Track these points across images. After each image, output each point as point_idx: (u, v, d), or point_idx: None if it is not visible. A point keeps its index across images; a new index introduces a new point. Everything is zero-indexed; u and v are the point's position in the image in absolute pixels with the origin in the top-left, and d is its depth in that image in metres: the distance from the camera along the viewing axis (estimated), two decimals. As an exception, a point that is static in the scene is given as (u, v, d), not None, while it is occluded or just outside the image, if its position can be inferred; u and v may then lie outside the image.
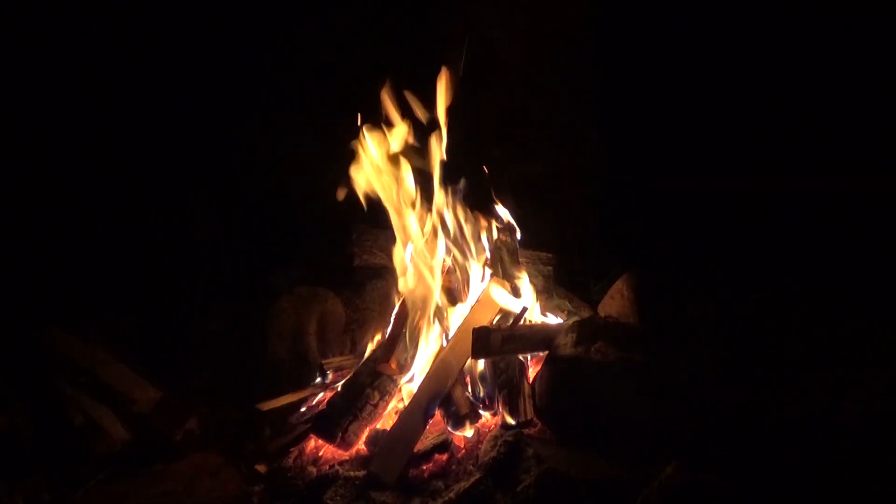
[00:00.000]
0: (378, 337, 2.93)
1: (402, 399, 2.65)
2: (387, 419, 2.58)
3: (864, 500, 1.88)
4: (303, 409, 2.75)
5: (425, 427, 2.38)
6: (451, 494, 2.03)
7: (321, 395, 2.82)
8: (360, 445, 2.45)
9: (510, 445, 2.16)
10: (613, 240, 3.80)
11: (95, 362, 2.65)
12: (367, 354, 2.81)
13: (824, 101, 3.96)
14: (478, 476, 2.07)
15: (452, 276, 2.92)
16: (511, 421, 2.35)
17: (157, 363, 2.93)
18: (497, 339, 2.42)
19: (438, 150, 2.86)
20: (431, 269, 2.79)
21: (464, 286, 2.90)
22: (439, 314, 2.77)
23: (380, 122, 2.82)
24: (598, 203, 4.14)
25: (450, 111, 2.84)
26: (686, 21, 4.17)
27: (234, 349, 3.17)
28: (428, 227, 2.87)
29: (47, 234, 3.62)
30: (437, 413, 2.45)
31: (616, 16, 4.04)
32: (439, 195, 2.89)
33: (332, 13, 3.83)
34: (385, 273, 3.35)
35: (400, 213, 2.87)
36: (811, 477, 1.93)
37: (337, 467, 2.31)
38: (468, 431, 2.39)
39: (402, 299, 2.83)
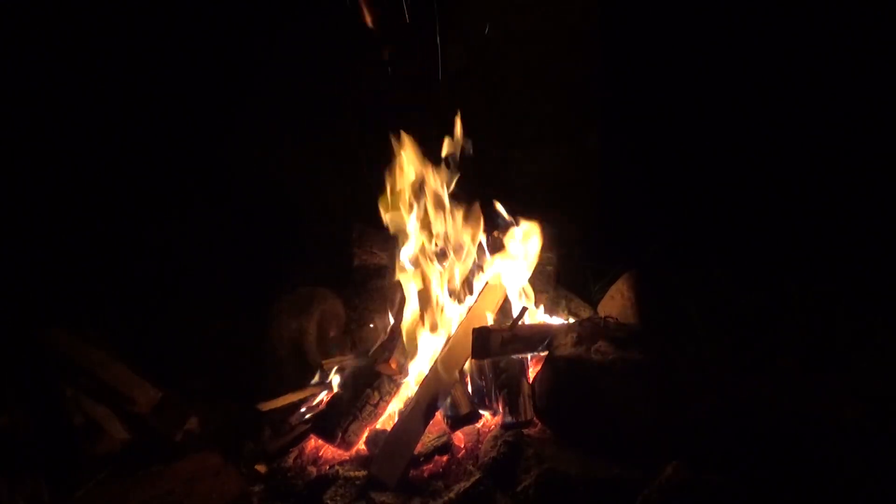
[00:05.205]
0: (378, 337, 2.93)
1: (402, 399, 2.65)
2: (387, 420, 2.58)
3: (865, 501, 1.88)
4: (303, 409, 2.74)
5: (425, 428, 2.38)
6: (451, 494, 2.03)
7: (321, 395, 2.82)
8: (361, 446, 2.45)
9: (510, 445, 2.16)
10: (613, 240, 3.80)
11: (95, 362, 2.64)
12: (367, 354, 2.81)
13: (825, 101, 3.96)
14: (478, 476, 2.07)
15: (452, 276, 2.92)
16: (511, 421, 2.35)
17: (157, 363, 2.92)
18: (497, 340, 2.42)
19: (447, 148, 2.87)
20: (432, 270, 2.79)
21: (463, 286, 2.89)
22: (439, 314, 2.77)
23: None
24: (598, 203, 4.14)
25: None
26: (687, 20, 4.18)
27: (234, 349, 3.17)
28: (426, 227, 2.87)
29: (48, 234, 3.63)
30: (437, 413, 2.45)
31: (617, 15, 4.04)
32: (439, 194, 2.89)
33: (331, 16, 3.82)
34: (385, 273, 3.34)
35: (399, 213, 2.87)
36: (811, 477, 1.93)
37: (337, 467, 2.31)
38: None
39: (402, 299, 2.83)
